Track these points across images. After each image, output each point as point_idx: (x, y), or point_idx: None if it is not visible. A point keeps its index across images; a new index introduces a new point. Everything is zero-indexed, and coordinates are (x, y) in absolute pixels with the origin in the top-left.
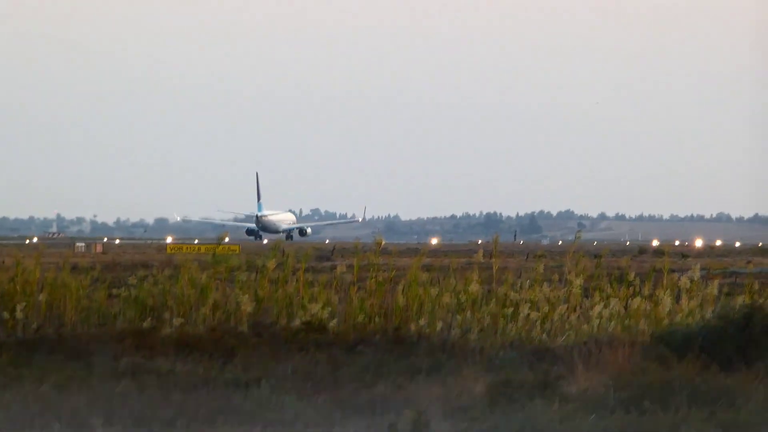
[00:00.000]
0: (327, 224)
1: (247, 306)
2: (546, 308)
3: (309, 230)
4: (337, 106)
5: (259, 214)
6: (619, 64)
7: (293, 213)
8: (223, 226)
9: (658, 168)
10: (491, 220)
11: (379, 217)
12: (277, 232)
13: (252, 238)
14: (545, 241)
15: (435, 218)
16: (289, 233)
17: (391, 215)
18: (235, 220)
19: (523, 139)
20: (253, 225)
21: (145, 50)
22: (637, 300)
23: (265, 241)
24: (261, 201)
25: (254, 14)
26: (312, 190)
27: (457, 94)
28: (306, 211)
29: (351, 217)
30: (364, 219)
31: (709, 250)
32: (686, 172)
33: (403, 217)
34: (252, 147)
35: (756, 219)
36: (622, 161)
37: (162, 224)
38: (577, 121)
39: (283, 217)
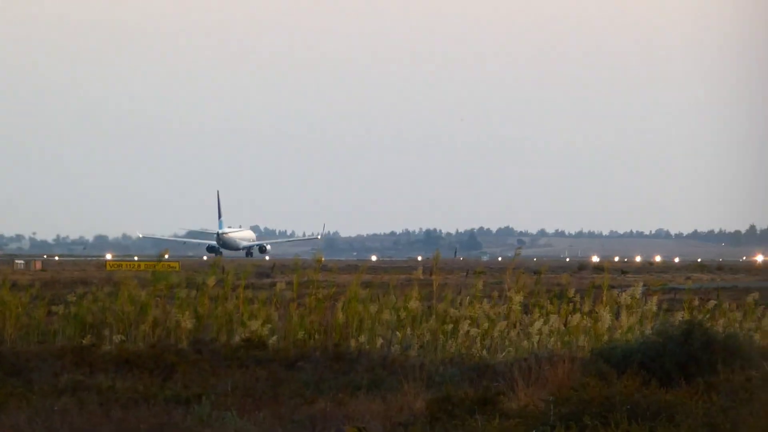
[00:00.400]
0: (287, 241)
1: (187, 323)
2: (486, 325)
3: (269, 247)
4: (275, 123)
5: (220, 231)
6: (557, 84)
7: (253, 230)
8: (165, 242)
9: (598, 184)
10: (431, 237)
11: (317, 233)
12: (237, 249)
13: (213, 254)
14: (485, 258)
15: (375, 235)
16: (249, 250)
17: (331, 232)
18: (175, 236)
19: (462, 156)
20: (213, 242)
21: (91, 72)
22: (577, 316)
23: (267, 258)
24: (222, 218)
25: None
26: (250, 207)
27: (395, 114)
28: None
29: (336, 234)
30: (322, 235)
31: (648, 266)
32: (625, 188)
33: (343, 234)
34: (189, 164)
35: (695, 235)
36: (561, 178)
37: (101, 241)
38: (515, 139)
39: (243, 235)
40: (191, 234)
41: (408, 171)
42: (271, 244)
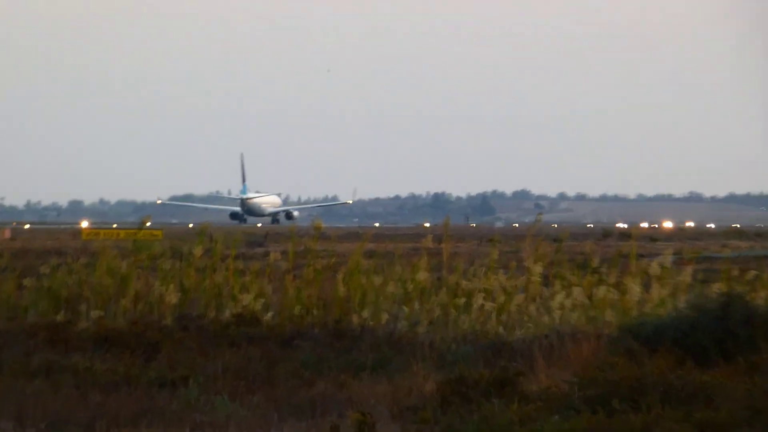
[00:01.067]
0: (316, 206)
1: (172, 297)
2: (502, 298)
3: (296, 213)
4: (267, 84)
5: (244, 196)
6: (580, 37)
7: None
8: (186, 208)
9: (624, 143)
10: (439, 201)
11: (315, 198)
12: (262, 215)
13: (236, 222)
14: (499, 224)
15: (378, 199)
16: (274, 217)
17: (330, 196)
18: (159, 199)
19: (473, 113)
20: (237, 208)
21: (70, 35)
22: (603, 288)
23: (259, 225)
24: (246, 183)
25: None
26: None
27: (399, 66)
28: (235, 192)
29: (335, 199)
30: (353, 200)
31: (680, 233)
32: (655, 147)
33: (343, 199)
34: (170, 125)
35: (731, 198)
36: (583, 136)
37: (77, 207)
38: (532, 94)
39: (268, 200)
40: (174, 198)
41: (414, 129)
42: (298, 209)
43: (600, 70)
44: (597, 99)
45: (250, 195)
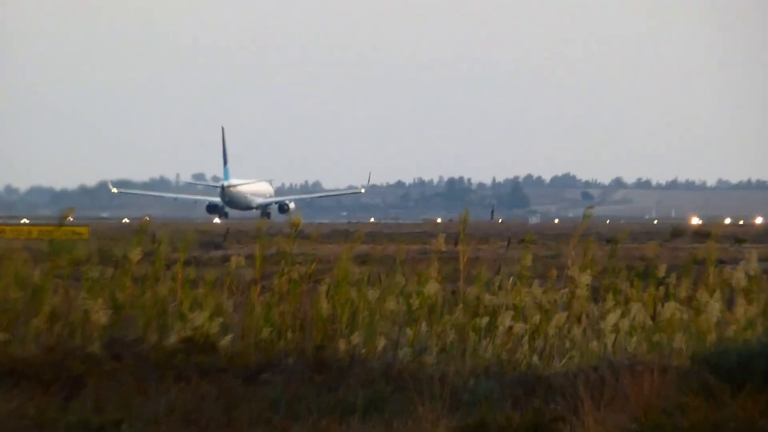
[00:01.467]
0: (319, 196)
1: (101, 316)
2: (537, 318)
3: (292, 205)
4: (252, 61)
5: (226, 183)
6: None
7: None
8: (147, 199)
9: (698, 117)
10: (456, 190)
11: (293, 185)
12: (249, 207)
13: (216, 216)
14: (535, 220)
15: (374, 186)
16: (265, 209)
17: (311, 183)
18: (80, 188)
19: (502, 81)
20: (215, 198)
21: None
22: (671, 305)
23: (216, 220)
24: (228, 165)
25: None
26: (208, 154)
27: (406, 26)
28: (185, 176)
29: (316, 186)
30: (365, 187)
31: None
32: (738, 120)
33: (328, 186)
34: (99, 97)
35: None
36: (644, 107)
37: None
38: (578, 57)
39: (257, 188)
40: (121, 184)
41: (423, 99)
42: (294, 200)
43: (666, 34)
44: (665, 62)
45: (233, 181)
